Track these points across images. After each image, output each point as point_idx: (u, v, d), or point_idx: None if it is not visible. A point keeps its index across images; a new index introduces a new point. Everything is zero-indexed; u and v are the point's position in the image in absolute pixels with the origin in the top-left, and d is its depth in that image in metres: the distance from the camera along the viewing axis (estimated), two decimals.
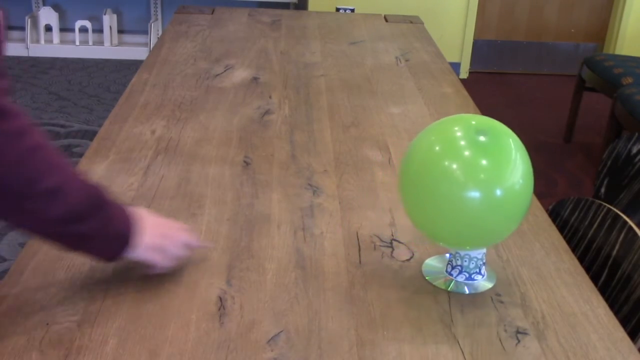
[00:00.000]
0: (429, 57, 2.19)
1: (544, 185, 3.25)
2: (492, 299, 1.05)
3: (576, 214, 1.39)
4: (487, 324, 1.00)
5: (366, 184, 1.37)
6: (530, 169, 0.94)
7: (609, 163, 1.76)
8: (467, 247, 1.01)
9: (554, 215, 1.45)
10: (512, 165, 0.91)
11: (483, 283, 1.07)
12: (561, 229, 1.41)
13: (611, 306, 1.09)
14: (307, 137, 1.55)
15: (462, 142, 0.92)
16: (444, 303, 1.04)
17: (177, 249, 1.04)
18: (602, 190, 1.77)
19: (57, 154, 0.89)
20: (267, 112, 1.68)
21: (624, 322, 1.12)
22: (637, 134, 1.71)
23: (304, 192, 1.32)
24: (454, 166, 0.90)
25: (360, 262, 1.12)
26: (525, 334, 0.98)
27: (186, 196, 1.28)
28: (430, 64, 2.11)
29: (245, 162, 1.43)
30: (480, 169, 0.91)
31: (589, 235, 1.33)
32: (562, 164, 3.47)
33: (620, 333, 1.00)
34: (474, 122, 0.94)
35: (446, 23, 4.55)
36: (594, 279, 1.28)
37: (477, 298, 1.05)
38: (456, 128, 0.93)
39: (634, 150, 1.70)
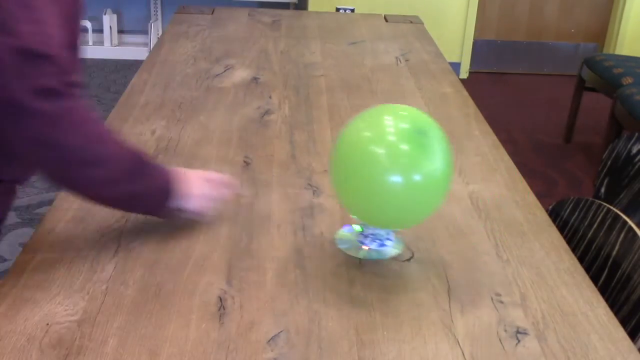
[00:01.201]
0: (429, 57, 2.19)
1: (544, 185, 3.25)
2: (492, 299, 1.05)
3: (576, 214, 1.39)
4: (487, 324, 1.00)
5: None
6: (451, 160, 1.01)
7: (609, 163, 1.76)
8: (390, 227, 1.08)
9: (554, 215, 1.45)
10: (433, 154, 0.98)
11: (391, 249, 1.14)
12: (561, 229, 1.41)
13: (611, 306, 1.09)
14: (307, 137, 1.55)
15: (389, 130, 0.99)
16: (444, 303, 1.04)
17: (221, 191, 1.18)
18: (602, 190, 1.77)
19: (104, 126, 1.04)
20: (267, 112, 1.68)
21: (624, 322, 1.12)
22: (637, 134, 1.71)
23: (304, 192, 1.32)
24: (380, 151, 0.97)
25: (360, 262, 1.12)
26: (525, 334, 0.98)
27: None
28: (430, 64, 2.11)
29: (245, 162, 1.43)
30: (402, 154, 0.97)
31: (589, 235, 1.33)
32: (562, 164, 3.47)
33: (620, 333, 1.00)
34: (402, 113, 1.01)
35: (446, 23, 4.55)
36: (594, 279, 1.28)
37: (477, 298, 1.05)
38: (385, 117, 1.01)
39: (634, 150, 1.70)
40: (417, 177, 0.98)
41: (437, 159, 0.98)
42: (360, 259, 1.12)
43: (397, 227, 1.08)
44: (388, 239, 1.15)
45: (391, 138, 0.98)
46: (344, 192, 1.03)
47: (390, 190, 0.97)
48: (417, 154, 0.98)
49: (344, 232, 1.19)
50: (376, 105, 1.07)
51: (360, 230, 1.16)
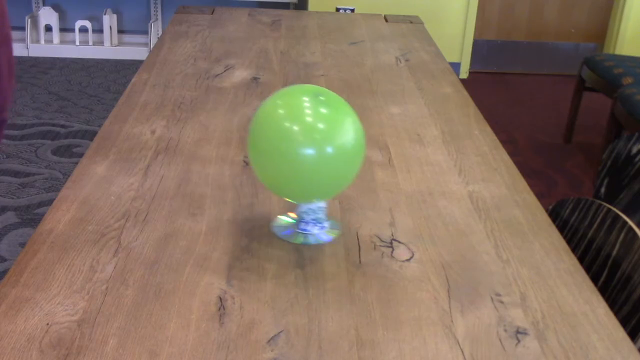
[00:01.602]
0: (429, 57, 2.19)
1: (544, 185, 3.25)
2: (492, 299, 1.05)
3: (576, 214, 1.39)
4: (487, 324, 1.00)
5: (366, 184, 1.37)
6: (362, 134, 1.10)
7: (609, 163, 1.76)
8: (307, 200, 1.13)
9: (554, 215, 1.45)
10: (344, 127, 1.07)
11: (327, 233, 1.19)
12: (561, 229, 1.41)
13: (611, 306, 1.09)
14: None
15: (303, 108, 1.07)
16: (444, 303, 1.04)
17: None
18: (602, 190, 1.77)
19: None
20: None
21: (624, 322, 1.12)
22: (637, 134, 1.71)
23: None
24: (295, 128, 1.05)
25: (360, 262, 1.12)
26: (525, 334, 0.98)
27: (186, 196, 1.28)
28: (430, 64, 2.11)
29: (245, 162, 1.43)
30: (315, 130, 1.05)
31: (589, 235, 1.33)
32: (562, 164, 3.47)
33: (620, 333, 1.00)
34: (315, 92, 1.09)
35: (446, 23, 4.56)
36: (594, 279, 1.28)
37: (477, 298, 1.05)
38: (299, 95, 1.08)
39: (634, 150, 1.70)
40: (329, 150, 1.05)
41: (348, 133, 1.07)
42: (299, 244, 1.15)
43: (315, 199, 1.13)
44: (323, 224, 1.19)
45: (305, 114, 1.07)
46: (261, 168, 1.09)
47: (304, 163, 1.05)
48: (329, 128, 1.05)
49: (282, 219, 1.21)
50: (295, 86, 1.11)
51: (296, 218, 1.19)
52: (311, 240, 1.16)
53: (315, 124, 1.05)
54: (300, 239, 1.16)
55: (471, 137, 1.61)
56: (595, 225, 1.32)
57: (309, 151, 1.04)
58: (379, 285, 1.07)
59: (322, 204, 1.17)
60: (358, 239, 1.19)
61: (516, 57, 4.76)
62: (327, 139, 1.05)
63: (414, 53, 2.21)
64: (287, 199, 1.13)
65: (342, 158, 1.06)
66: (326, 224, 1.19)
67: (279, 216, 1.22)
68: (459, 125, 1.67)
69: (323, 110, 1.06)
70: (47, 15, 4.64)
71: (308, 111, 1.06)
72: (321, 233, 1.18)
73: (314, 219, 1.17)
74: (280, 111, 1.06)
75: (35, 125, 3.68)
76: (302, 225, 1.18)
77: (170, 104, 1.69)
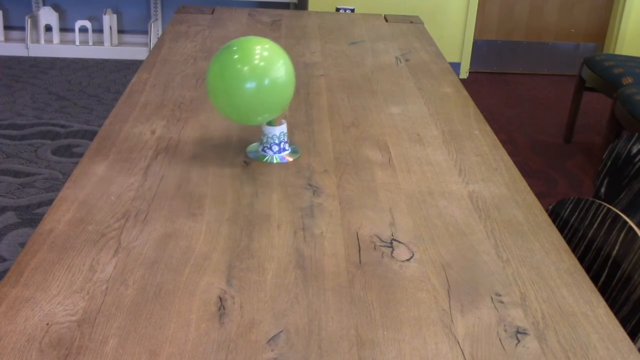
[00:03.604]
0: (429, 57, 2.19)
1: (544, 185, 3.25)
2: (492, 299, 1.05)
3: (576, 214, 1.39)
4: (487, 324, 1.00)
5: (366, 184, 1.37)
6: (292, 72, 1.41)
7: (609, 163, 1.76)
8: (250, 121, 1.42)
9: (554, 215, 1.45)
10: (277, 66, 1.38)
11: (289, 154, 1.45)
12: (561, 229, 1.41)
13: (611, 306, 1.09)
14: (307, 137, 1.56)
15: (251, 52, 1.38)
16: (444, 303, 1.04)
17: None
18: (602, 190, 1.77)
19: None
20: None
21: (624, 322, 1.12)
22: (637, 134, 1.71)
23: (304, 192, 1.32)
24: (245, 68, 1.36)
25: (360, 262, 1.12)
26: (525, 334, 0.98)
27: (186, 196, 1.29)
28: (430, 64, 2.11)
29: (245, 162, 1.43)
30: (258, 67, 1.37)
31: (589, 235, 1.33)
32: (562, 164, 3.47)
33: (620, 333, 1.00)
34: (265, 44, 1.40)
35: (446, 23, 4.56)
36: (594, 279, 1.28)
37: (477, 298, 1.05)
38: (248, 44, 1.40)
39: (634, 150, 1.70)
40: (266, 82, 1.37)
41: (280, 71, 1.38)
42: (265, 162, 1.42)
43: (258, 120, 1.41)
44: (284, 148, 1.45)
45: (254, 57, 1.38)
46: (218, 100, 1.40)
47: (249, 92, 1.37)
48: (265, 67, 1.38)
49: (253, 145, 1.49)
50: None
51: (263, 142, 1.45)
52: (276, 159, 1.43)
53: (259, 64, 1.38)
54: (264, 159, 1.43)
55: (471, 137, 1.61)
56: (595, 225, 1.32)
57: (251, 84, 1.36)
58: (379, 285, 1.07)
59: (283, 130, 1.44)
60: (358, 239, 1.19)
61: (516, 57, 4.76)
62: (264, 75, 1.37)
63: (414, 53, 2.21)
64: (236, 122, 1.43)
65: (276, 88, 1.38)
66: (287, 148, 1.46)
67: (250, 146, 1.49)
68: (459, 125, 1.67)
69: (265, 53, 1.39)
70: (47, 15, 4.64)
71: (257, 55, 1.38)
72: (283, 155, 1.44)
73: (276, 143, 1.44)
74: (235, 56, 1.38)
75: (35, 125, 3.68)
76: (266, 148, 1.44)
77: (170, 104, 1.69)
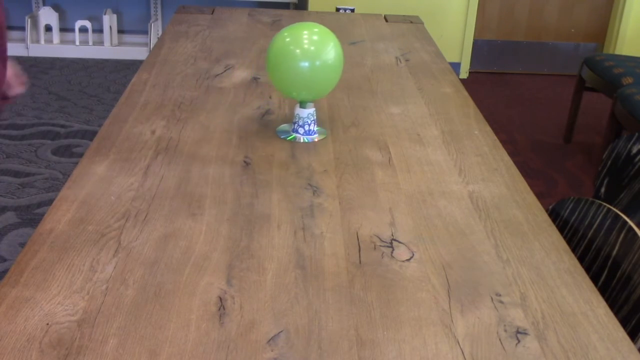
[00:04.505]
0: (429, 57, 2.19)
1: (544, 185, 3.25)
2: (492, 299, 1.05)
3: (576, 214, 1.39)
4: (487, 324, 1.00)
5: (366, 184, 1.37)
6: (341, 55, 1.54)
7: (609, 163, 1.76)
8: (305, 99, 1.53)
9: (554, 215, 1.45)
10: (328, 49, 1.51)
11: (316, 135, 1.56)
12: (561, 229, 1.41)
13: (611, 306, 1.09)
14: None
15: (302, 37, 1.52)
16: (444, 303, 1.04)
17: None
18: (602, 190, 1.77)
19: None
20: (267, 112, 1.68)
21: (624, 322, 1.12)
22: (637, 134, 1.71)
23: (304, 192, 1.32)
24: (297, 51, 1.49)
25: (360, 262, 1.12)
26: (525, 334, 0.98)
27: (186, 196, 1.29)
28: (430, 64, 2.11)
29: (245, 162, 1.43)
30: (309, 51, 1.50)
31: (589, 235, 1.33)
32: (562, 164, 3.47)
33: (620, 333, 1.00)
34: (315, 29, 1.54)
35: (446, 23, 4.56)
36: (594, 279, 1.28)
37: (477, 298, 1.05)
38: (300, 30, 1.53)
39: (634, 150, 1.70)
40: (317, 63, 1.50)
41: (330, 53, 1.51)
42: (292, 141, 1.53)
43: (311, 99, 1.54)
44: (313, 130, 1.55)
45: (304, 41, 1.52)
46: (276, 78, 1.53)
47: (303, 72, 1.50)
48: (317, 49, 1.51)
49: (282, 127, 1.60)
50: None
51: (292, 124, 1.56)
52: (304, 140, 1.54)
53: (309, 47, 1.51)
54: (293, 137, 1.54)
55: (471, 137, 1.61)
56: (595, 225, 1.32)
57: (304, 64, 1.49)
58: (379, 285, 1.07)
59: (311, 111, 1.55)
60: (358, 239, 1.19)
61: (516, 57, 4.76)
62: (316, 56, 1.50)
63: (414, 53, 2.21)
64: (292, 98, 1.55)
65: (326, 69, 1.52)
66: (315, 129, 1.56)
67: (280, 126, 1.60)
68: (459, 125, 1.67)
69: (315, 37, 1.52)
70: (47, 15, 4.64)
71: (305, 40, 1.52)
72: (311, 135, 1.55)
73: (305, 123, 1.54)
74: (287, 39, 1.52)
75: (35, 125, 3.68)
76: (295, 127, 1.55)
77: (170, 104, 1.69)
